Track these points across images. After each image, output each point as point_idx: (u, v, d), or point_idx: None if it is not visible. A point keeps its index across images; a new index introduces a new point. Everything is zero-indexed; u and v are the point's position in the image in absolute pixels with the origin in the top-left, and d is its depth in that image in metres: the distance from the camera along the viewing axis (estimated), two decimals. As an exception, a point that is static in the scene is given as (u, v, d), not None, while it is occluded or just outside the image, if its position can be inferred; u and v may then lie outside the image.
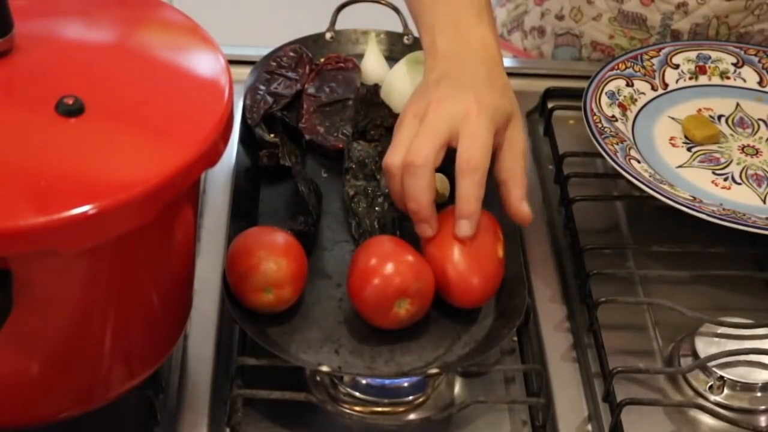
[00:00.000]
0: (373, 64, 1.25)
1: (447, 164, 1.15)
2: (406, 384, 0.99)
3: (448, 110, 1.01)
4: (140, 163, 0.81)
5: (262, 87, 1.21)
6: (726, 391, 1.01)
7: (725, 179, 1.18)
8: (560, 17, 1.42)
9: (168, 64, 0.90)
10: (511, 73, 1.35)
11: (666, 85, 1.28)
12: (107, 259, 0.83)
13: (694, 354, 1.03)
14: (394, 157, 1.01)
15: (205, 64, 0.89)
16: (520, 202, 1.02)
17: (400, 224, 1.09)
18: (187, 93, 0.87)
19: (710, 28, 1.35)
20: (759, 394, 1.01)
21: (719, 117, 1.26)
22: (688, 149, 1.22)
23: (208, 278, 1.04)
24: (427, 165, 0.99)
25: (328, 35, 1.28)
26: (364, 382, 0.98)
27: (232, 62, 0.91)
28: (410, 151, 0.99)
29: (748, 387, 1.01)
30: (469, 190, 0.99)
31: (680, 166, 1.19)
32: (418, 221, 1.01)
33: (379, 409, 0.98)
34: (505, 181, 1.03)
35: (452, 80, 1.04)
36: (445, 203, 1.13)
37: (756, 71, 1.30)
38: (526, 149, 1.05)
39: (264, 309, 1.00)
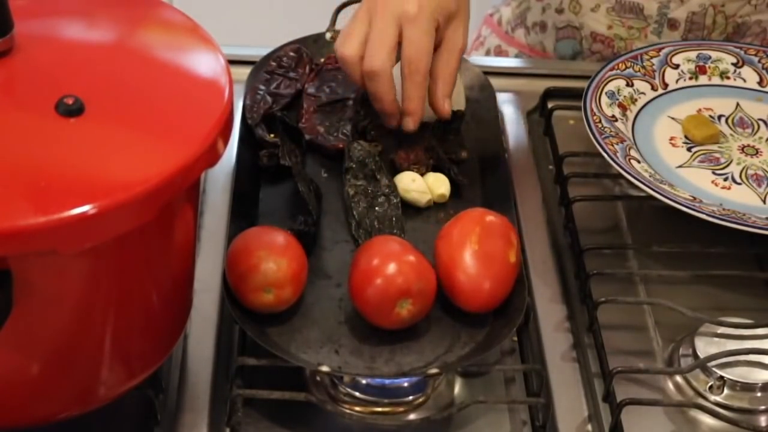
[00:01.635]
0: (373, 64, 1.25)
1: (447, 164, 1.15)
2: (406, 384, 0.99)
3: (393, 12, 1.10)
4: (140, 163, 0.81)
5: (262, 87, 1.21)
6: (726, 391, 1.01)
7: (725, 179, 1.18)
8: (560, 10, 1.42)
9: (168, 64, 0.90)
10: (512, 73, 1.36)
11: (666, 85, 1.28)
12: (107, 259, 0.83)
13: (694, 354, 1.03)
14: (346, 48, 1.12)
15: (205, 64, 0.89)
16: (443, 99, 1.14)
17: (401, 224, 1.09)
18: (187, 93, 0.87)
19: (707, 17, 1.36)
20: (759, 394, 1.01)
21: (719, 117, 1.26)
22: (688, 149, 1.22)
23: (208, 278, 1.04)
24: (384, 70, 1.10)
25: (328, 35, 1.28)
26: (364, 382, 0.98)
27: (232, 62, 0.91)
28: (367, 58, 1.10)
29: (748, 387, 1.01)
30: (411, 90, 1.11)
31: (680, 166, 1.19)
32: (384, 115, 1.14)
33: (379, 409, 0.98)
34: (435, 77, 1.14)
35: None
36: (444, 204, 1.13)
37: (756, 71, 1.30)
38: (464, 49, 1.15)
39: (264, 309, 1.00)
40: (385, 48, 1.10)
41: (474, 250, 1.00)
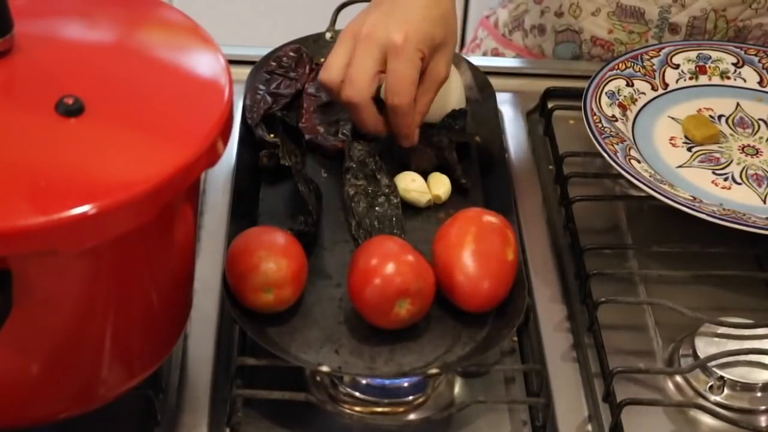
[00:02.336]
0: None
1: (447, 165, 1.15)
2: (406, 384, 0.99)
3: (377, 40, 1.08)
4: (140, 163, 0.81)
5: (262, 87, 1.21)
6: (726, 391, 1.00)
7: (725, 179, 1.18)
8: (559, 14, 1.42)
9: (168, 64, 0.90)
10: (511, 73, 1.36)
11: (666, 85, 1.28)
12: (107, 259, 0.83)
13: (694, 354, 1.03)
14: (326, 74, 1.10)
15: (205, 64, 0.89)
16: (413, 130, 1.12)
17: (401, 224, 1.09)
18: (187, 93, 0.87)
19: (708, 21, 1.35)
20: (759, 394, 1.01)
21: (719, 117, 1.26)
22: (688, 149, 1.22)
23: (208, 278, 1.04)
24: (363, 100, 1.09)
25: (328, 35, 1.28)
26: (364, 382, 0.98)
27: (232, 62, 0.91)
28: (345, 88, 1.09)
29: (748, 387, 1.01)
30: (396, 120, 1.10)
31: (680, 166, 1.19)
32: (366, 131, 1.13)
33: (379, 409, 0.98)
34: None
35: (389, 5, 1.10)
36: (444, 203, 1.13)
37: (756, 71, 1.30)
38: (444, 80, 1.12)
39: (264, 309, 1.00)
40: (364, 78, 1.08)
41: (472, 250, 1.00)
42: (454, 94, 1.20)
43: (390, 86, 1.09)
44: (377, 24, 1.09)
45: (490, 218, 1.03)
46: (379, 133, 1.12)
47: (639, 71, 1.27)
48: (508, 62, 1.44)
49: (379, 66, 1.09)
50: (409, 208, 1.12)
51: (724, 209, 1.11)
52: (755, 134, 1.24)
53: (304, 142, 1.16)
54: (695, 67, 1.30)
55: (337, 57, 1.10)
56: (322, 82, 1.11)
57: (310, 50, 1.25)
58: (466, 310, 1.01)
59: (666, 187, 1.13)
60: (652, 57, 1.29)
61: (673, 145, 1.22)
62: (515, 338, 1.05)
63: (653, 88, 1.27)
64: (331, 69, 1.10)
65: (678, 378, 1.03)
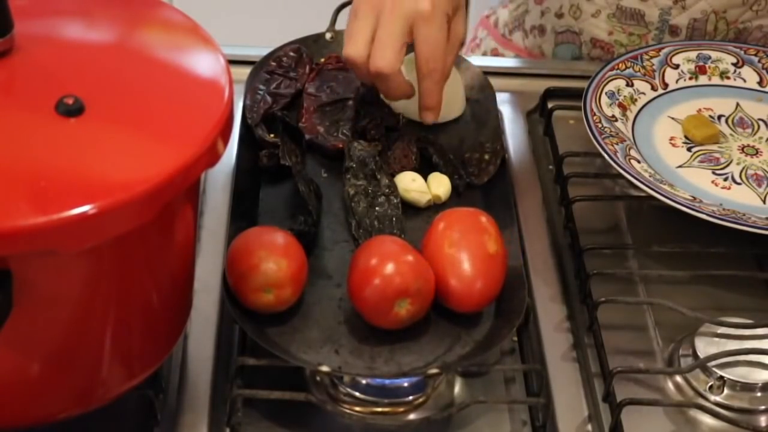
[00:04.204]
0: (373, 64, 1.25)
1: (447, 165, 1.15)
2: (406, 384, 0.99)
3: (403, 9, 1.09)
4: (140, 163, 0.81)
5: (262, 87, 1.21)
6: (726, 391, 1.01)
7: (725, 179, 1.18)
8: (560, 15, 1.42)
9: (168, 64, 0.90)
10: (511, 73, 1.36)
11: (666, 85, 1.28)
12: (107, 259, 0.83)
13: (694, 354, 1.03)
14: (352, 49, 1.11)
15: (205, 64, 0.89)
16: (438, 97, 1.14)
17: (401, 224, 1.09)
18: (187, 93, 0.87)
19: (708, 23, 1.35)
20: (759, 394, 1.01)
21: (719, 117, 1.26)
22: (688, 149, 1.22)
23: (208, 278, 1.04)
24: (393, 71, 1.10)
25: (328, 35, 1.28)
26: (364, 382, 0.98)
27: (232, 62, 0.91)
28: (375, 58, 1.10)
29: (748, 387, 1.01)
30: (430, 87, 1.12)
31: (680, 166, 1.19)
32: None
33: (379, 409, 0.98)
34: None
35: None
36: (444, 203, 1.13)
37: (756, 71, 1.30)
38: (463, 40, 1.16)
39: (264, 309, 1.00)
40: (394, 47, 1.10)
41: (450, 253, 1.00)
42: (455, 95, 1.20)
43: (423, 53, 1.11)
44: None
45: (462, 213, 1.03)
46: (408, 97, 1.14)
47: (639, 71, 1.27)
48: (508, 62, 1.44)
49: (407, 36, 1.10)
50: (409, 208, 1.12)
51: (724, 209, 1.11)
52: (755, 134, 1.24)
53: (304, 142, 1.16)
54: (695, 67, 1.30)
55: (360, 31, 1.11)
56: (347, 57, 1.12)
57: (310, 50, 1.25)
58: (459, 311, 1.01)
59: (666, 187, 1.13)
60: (651, 57, 1.29)
61: (673, 145, 1.22)
62: (515, 338, 1.05)
63: (653, 88, 1.27)
64: (357, 43, 1.11)
65: (678, 378, 1.03)
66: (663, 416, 1.00)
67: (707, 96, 1.28)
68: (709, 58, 1.31)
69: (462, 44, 1.16)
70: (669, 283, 1.12)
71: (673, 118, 1.25)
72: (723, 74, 1.30)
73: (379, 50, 1.10)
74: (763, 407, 1.01)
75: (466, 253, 1.00)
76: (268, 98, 1.20)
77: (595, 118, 1.19)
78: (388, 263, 0.98)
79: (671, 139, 1.23)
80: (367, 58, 1.11)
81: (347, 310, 1.02)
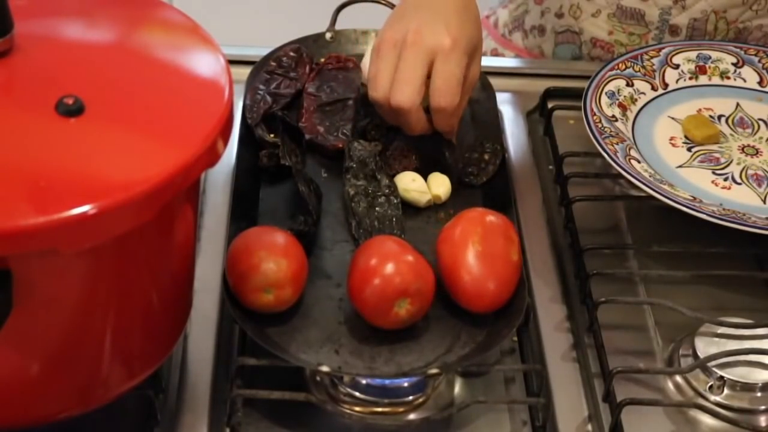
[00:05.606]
0: (373, 64, 1.25)
1: (446, 165, 1.15)
2: (406, 384, 0.99)
3: (425, 46, 1.09)
4: (140, 163, 0.81)
5: (262, 87, 1.21)
6: (726, 391, 1.01)
7: (725, 179, 1.18)
8: (560, 15, 1.42)
9: (168, 64, 0.90)
10: (511, 73, 1.36)
11: (666, 85, 1.28)
12: (107, 259, 0.83)
13: (694, 354, 1.03)
14: (377, 92, 1.11)
15: (205, 64, 0.89)
16: (451, 129, 1.14)
17: (401, 224, 1.09)
18: (187, 93, 0.87)
19: (708, 23, 1.35)
20: (759, 394, 1.01)
21: (719, 117, 1.26)
22: (688, 149, 1.22)
23: (208, 278, 1.04)
24: (413, 106, 1.10)
25: (328, 35, 1.28)
26: (364, 382, 0.98)
27: (232, 62, 0.91)
28: (395, 94, 1.09)
29: (748, 387, 1.01)
30: (443, 121, 1.13)
31: (680, 166, 1.19)
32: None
33: (379, 409, 0.98)
34: None
35: (428, 9, 1.11)
36: (444, 204, 1.13)
37: (756, 71, 1.30)
38: (478, 80, 1.17)
39: (264, 309, 1.00)
40: (414, 83, 1.09)
41: (477, 251, 1.01)
42: None
43: (438, 88, 1.10)
44: (422, 30, 1.10)
45: (494, 218, 1.03)
46: (425, 132, 1.14)
47: (639, 71, 1.27)
48: (508, 62, 1.44)
49: (428, 71, 1.10)
50: (409, 208, 1.12)
51: (724, 209, 1.11)
52: (755, 134, 1.24)
53: (304, 142, 1.16)
54: (695, 67, 1.30)
55: (382, 71, 1.11)
56: (372, 99, 1.12)
57: (310, 50, 1.25)
58: (471, 311, 1.01)
59: (666, 187, 1.13)
60: (652, 57, 1.29)
61: (673, 145, 1.22)
62: (515, 338, 1.05)
63: (653, 88, 1.27)
64: (379, 84, 1.11)
65: (678, 378, 1.03)
66: (663, 416, 1.00)
67: (707, 96, 1.28)
68: (710, 58, 1.31)
69: (475, 85, 1.16)
70: (669, 283, 1.12)
71: (673, 118, 1.25)
72: (723, 74, 1.30)
73: (399, 86, 1.10)
74: (763, 407, 1.01)
75: (490, 257, 1.01)
76: (268, 98, 1.20)
77: (595, 118, 1.19)
78: (388, 263, 0.98)
79: (671, 139, 1.23)
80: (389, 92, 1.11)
81: (347, 310, 1.02)
